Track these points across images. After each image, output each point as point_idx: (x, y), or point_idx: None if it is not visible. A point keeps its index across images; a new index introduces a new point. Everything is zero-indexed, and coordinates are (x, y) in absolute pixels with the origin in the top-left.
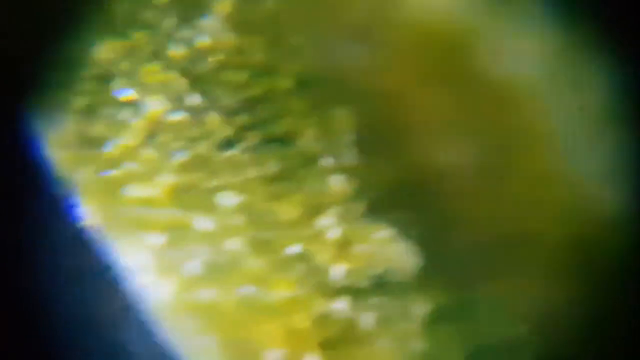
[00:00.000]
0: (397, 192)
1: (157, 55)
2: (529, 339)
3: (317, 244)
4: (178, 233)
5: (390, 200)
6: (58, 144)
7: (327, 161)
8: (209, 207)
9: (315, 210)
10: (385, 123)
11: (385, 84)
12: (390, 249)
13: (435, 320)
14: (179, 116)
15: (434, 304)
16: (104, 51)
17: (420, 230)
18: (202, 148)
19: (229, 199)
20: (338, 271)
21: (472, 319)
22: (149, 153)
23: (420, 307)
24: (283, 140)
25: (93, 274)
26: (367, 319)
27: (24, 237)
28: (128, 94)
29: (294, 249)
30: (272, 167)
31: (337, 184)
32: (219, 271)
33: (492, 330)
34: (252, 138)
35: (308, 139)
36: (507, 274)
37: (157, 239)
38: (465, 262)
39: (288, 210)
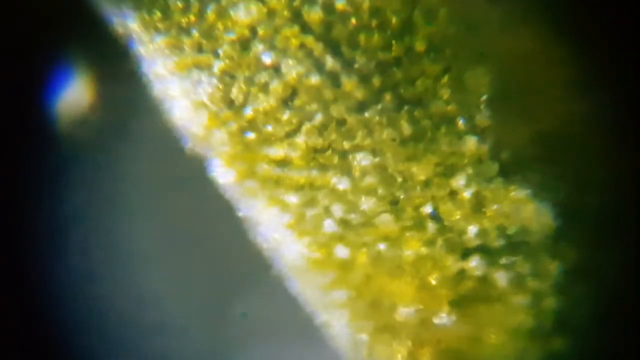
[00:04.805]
0: (531, 152)
1: (294, 19)
2: None
3: (451, 204)
4: (314, 192)
5: (524, 160)
6: (199, 105)
7: (460, 122)
8: (344, 168)
9: (448, 170)
10: (519, 83)
11: (519, 43)
12: (523, 209)
13: (567, 279)
14: (315, 79)
15: (567, 264)
16: (244, 15)
17: (554, 190)
18: (338, 110)
19: (363, 160)
20: (471, 230)
21: (603, 278)
22: (286, 115)
23: (553, 267)
24: (417, 102)
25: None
26: (499, 278)
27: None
28: (267, 57)
29: (427, 208)
30: (406, 128)
31: (471, 144)
32: (352, 229)
33: (623, 290)
34: (387, 100)
35: (442, 100)
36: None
37: (293, 198)
38: (598, 221)
39: (421, 170)
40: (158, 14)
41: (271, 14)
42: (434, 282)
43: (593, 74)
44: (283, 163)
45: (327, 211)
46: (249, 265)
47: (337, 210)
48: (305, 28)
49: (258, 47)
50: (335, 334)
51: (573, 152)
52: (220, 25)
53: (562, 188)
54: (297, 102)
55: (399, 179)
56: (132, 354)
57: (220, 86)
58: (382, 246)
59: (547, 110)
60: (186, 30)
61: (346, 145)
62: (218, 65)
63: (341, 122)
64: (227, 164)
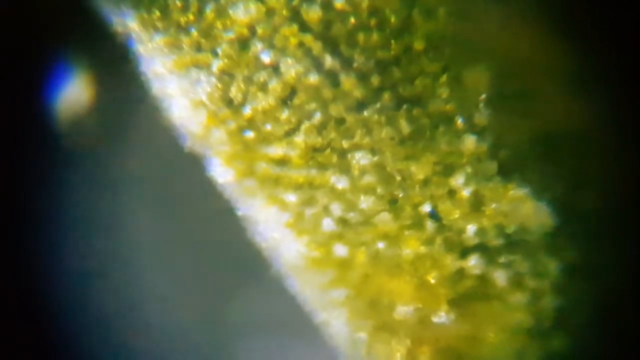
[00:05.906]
0: (529, 151)
1: (293, 17)
2: None
3: (449, 203)
4: (313, 191)
5: (523, 159)
6: (197, 104)
7: (459, 121)
8: (342, 167)
9: (447, 169)
10: (519, 82)
11: (518, 42)
12: (522, 208)
13: (566, 278)
14: (314, 78)
15: (566, 262)
16: (243, 14)
17: (553, 188)
18: (337, 109)
19: (362, 159)
20: (470, 229)
21: (603, 277)
22: (285, 114)
23: (552, 265)
24: (416, 101)
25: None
26: (498, 277)
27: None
28: (266, 56)
29: (426, 207)
30: (404, 127)
31: (470, 143)
32: (351, 228)
33: (623, 289)
34: (386, 99)
35: (440, 99)
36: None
37: (292, 197)
38: (597, 221)
39: (420, 169)
40: (157, 13)
41: (270, 12)
42: (432, 281)
43: (593, 73)
44: (282, 162)
45: (326, 210)
46: (247, 264)
47: (336, 209)
48: (304, 27)
49: (257, 46)
50: (334, 332)
51: (572, 151)
52: (219, 24)
53: (561, 187)
54: (296, 101)
55: (398, 178)
56: (131, 353)
57: (219, 85)
58: (381, 245)
59: (546, 110)
60: (185, 29)
61: (345, 144)
62: (217, 64)
63: (340, 121)
64: (226, 163)
